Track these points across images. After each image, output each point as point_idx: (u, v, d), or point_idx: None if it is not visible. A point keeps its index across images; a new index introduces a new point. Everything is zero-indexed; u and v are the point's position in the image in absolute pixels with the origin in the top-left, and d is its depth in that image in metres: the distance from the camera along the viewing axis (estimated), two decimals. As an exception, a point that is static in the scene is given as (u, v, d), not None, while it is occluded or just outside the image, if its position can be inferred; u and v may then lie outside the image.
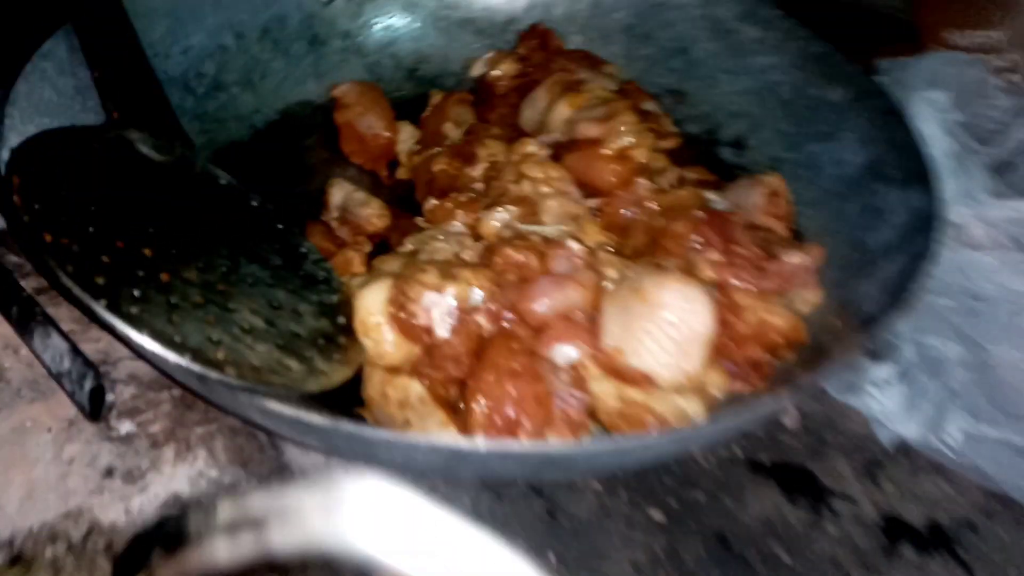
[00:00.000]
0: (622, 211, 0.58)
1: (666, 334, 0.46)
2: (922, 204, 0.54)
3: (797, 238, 0.61)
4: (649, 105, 0.71)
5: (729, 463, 0.54)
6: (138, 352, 0.36)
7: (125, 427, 0.45)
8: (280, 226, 0.49)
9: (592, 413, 0.47)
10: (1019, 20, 0.83)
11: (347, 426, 0.33)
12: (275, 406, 0.33)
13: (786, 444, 0.56)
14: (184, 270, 0.42)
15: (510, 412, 0.42)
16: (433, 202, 0.57)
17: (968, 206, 0.68)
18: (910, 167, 0.57)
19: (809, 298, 0.55)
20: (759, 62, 0.70)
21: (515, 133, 0.66)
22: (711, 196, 0.59)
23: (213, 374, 0.36)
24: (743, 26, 0.71)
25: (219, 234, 0.46)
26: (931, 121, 0.71)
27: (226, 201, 0.48)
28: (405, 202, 0.63)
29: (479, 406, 0.42)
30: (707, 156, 0.70)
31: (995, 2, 0.85)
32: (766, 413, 0.41)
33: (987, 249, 0.67)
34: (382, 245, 0.58)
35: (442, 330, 0.45)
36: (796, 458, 0.55)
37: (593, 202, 0.60)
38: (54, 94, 0.51)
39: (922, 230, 0.52)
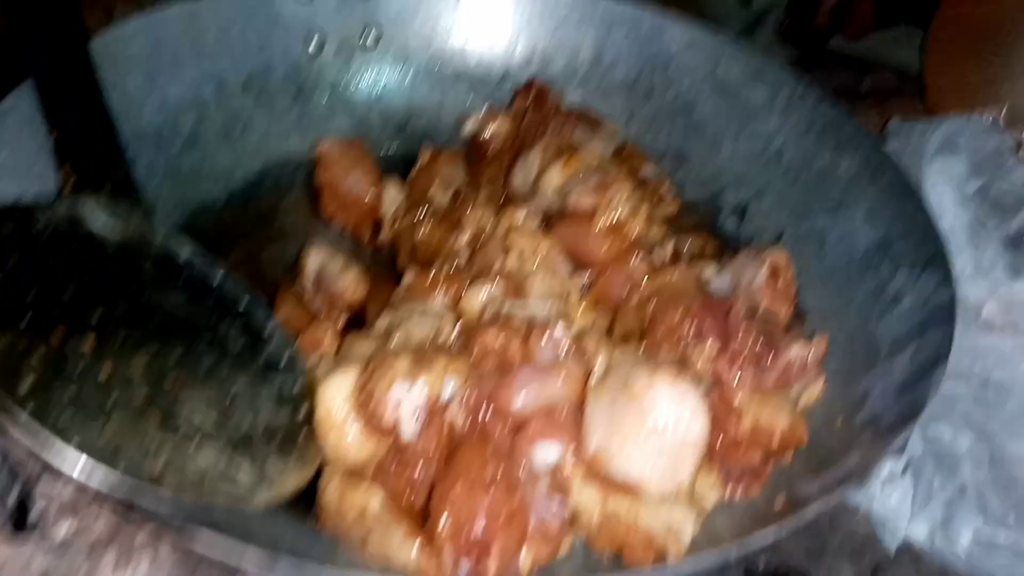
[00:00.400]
0: (614, 288, 0.55)
1: (656, 440, 0.42)
2: (935, 294, 0.50)
3: (800, 318, 0.58)
4: (648, 169, 0.67)
5: (719, 567, 0.50)
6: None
7: (63, 528, 0.42)
8: (244, 304, 0.46)
9: (574, 519, 0.43)
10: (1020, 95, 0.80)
11: (285, 566, 0.29)
12: (206, 540, 0.30)
13: (783, 545, 0.52)
14: (130, 363, 0.38)
15: (479, 531, 0.38)
16: (413, 275, 0.54)
17: (983, 284, 0.65)
18: (923, 250, 0.54)
19: (811, 392, 0.51)
20: (765, 126, 0.67)
21: (506, 196, 0.63)
22: (710, 273, 0.56)
23: (145, 498, 0.33)
24: (750, 87, 0.68)
25: (174, 318, 0.42)
26: (945, 191, 0.68)
27: (185, 279, 0.44)
28: (389, 265, 0.60)
29: (445, 523, 0.38)
30: (709, 223, 0.66)
31: (1000, 75, 0.82)
32: (765, 543, 0.37)
33: (1002, 332, 0.63)
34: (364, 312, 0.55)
35: (410, 428, 0.41)
36: (794, 561, 0.51)
37: (584, 276, 0.56)
38: (11, 156, 0.48)
39: (935, 325, 0.48)
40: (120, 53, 0.58)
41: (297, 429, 0.42)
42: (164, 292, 0.43)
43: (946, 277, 0.51)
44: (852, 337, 0.53)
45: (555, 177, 0.61)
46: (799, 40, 0.99)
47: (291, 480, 0.39)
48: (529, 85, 0.70)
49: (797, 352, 0.49)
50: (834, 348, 0.52)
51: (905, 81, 0.96)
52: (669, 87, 0.71)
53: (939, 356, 0.46)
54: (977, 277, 0.65)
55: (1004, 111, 0.78)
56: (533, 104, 0.69)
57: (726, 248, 0.62)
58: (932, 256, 0.53)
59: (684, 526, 0.43)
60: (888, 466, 0.54)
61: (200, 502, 0.35)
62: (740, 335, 0.49)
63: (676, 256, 0.59)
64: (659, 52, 0.71)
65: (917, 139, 0.73)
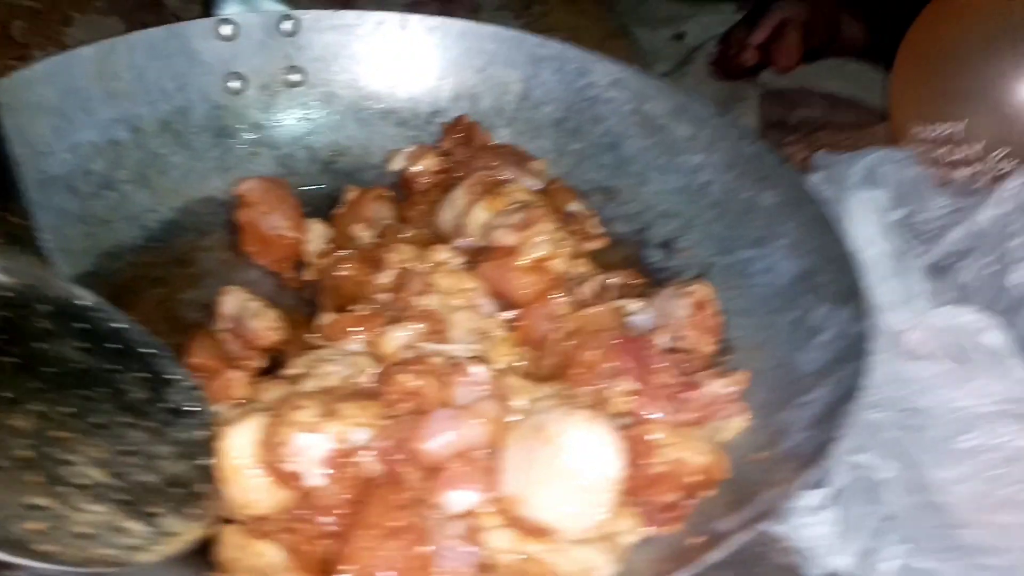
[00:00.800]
0: (537, 327, 0.54)
1: (569, 482, 0.41)
2: (853, 327, 0.51)
3: (727, 351, 0.58)
4: (575, 205, 0.67)
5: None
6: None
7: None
8: (148, 352, 0.44)
9: (489, 567, 0.42)
10: (980, 113, 0.82)
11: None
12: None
13: (709, 579, 0.51)
14: (14, 418, 0.37)
15: (383, 582, 0.37)
16: (332, 316, 0.53)
17: (906, 312, 0.66)
18: (841, 283, 0.54)
19: (734, 426, 0.51)
20: (690, 161, 0.68)
21: (433, 234, 0.62)
22: (634, 309, 0.56)
23: (17, 559, 0.31)
24: (674, 123, 0.69)
25: (70, 370, 0.41)
26: (868, 221, 0.69)
27: (83, 329, 0.43)
28: (312, 307, 0.58)
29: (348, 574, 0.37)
30: (636, 257, 0.67)
31: (959, 95, 0.84)
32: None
33: (925, 359, 0.64)
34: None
35: (314, 478, 0.40)
36: (721, 597, 0.50)
37: (510, 314, 0.56)
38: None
39: (853, 357, 0.49)
40: (29, 97, 0.56)
41: (197, 480, 0.40)
42: (60, 343, 0.41)
43: (864, 310, 0.51)
44: (776, 369, 0.53)
45: (481, 214, 0.61)
46: (729, 74, 1.02)
47: (187, 534, 0.38)
48: (457, 122, 0.70)
49: (717, 387, 0.49)
50: (759, 381, 0.52)
51: (835, 112, 0.99)
52: (596, 124, 0.72)
53: (855, 388, 0.46)
54: (901, 306, 0.66)
55: (964, 125, 0.80)
56: (461, 141, 0.69)
57: (654, 282, 0.62)
58: (850, 289, 0.53)
59: (602, 567, 0.42)
60: (815, 496, 0.54)
61: (84, 560, 0.34)
62: (659, 371, 0.49)
63: (602, 292, 0.59)
64: (586, 90, 0.72)
65: (841, 171, 0.74)
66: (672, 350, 0.53)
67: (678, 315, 0.56)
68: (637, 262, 0.66)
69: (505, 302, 0.56)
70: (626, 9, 1.09)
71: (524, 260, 0.56)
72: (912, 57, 0.89)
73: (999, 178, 0.72)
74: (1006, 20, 0.83)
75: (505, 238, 0.58)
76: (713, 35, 1.05)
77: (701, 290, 0.57)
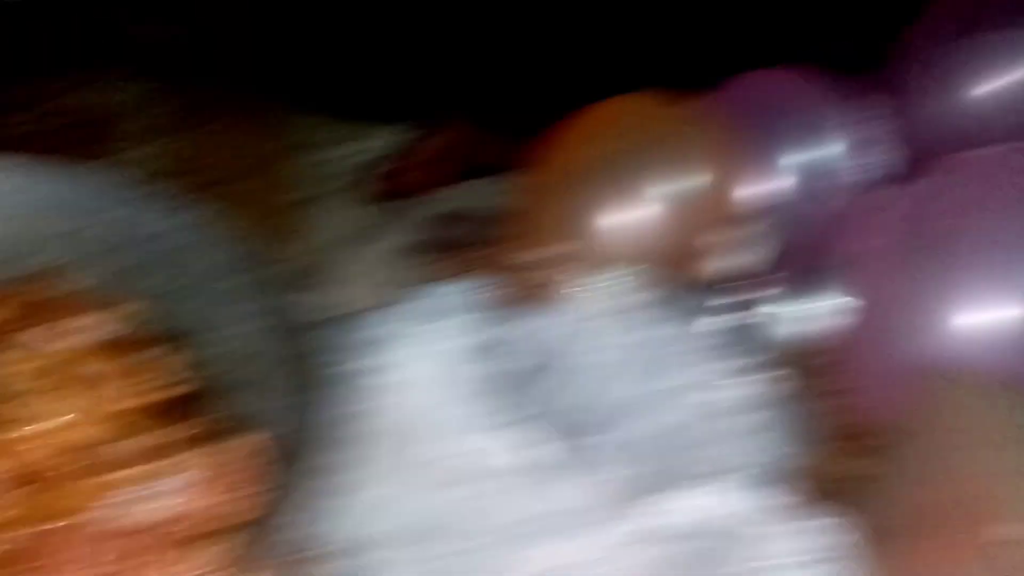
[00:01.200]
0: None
1: None
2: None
3: (269, 506, 0.58)
4: (148, 353, 0.67)
5: None
6: None
7: None
8: None
9: None
10: (590, 236, 0.89)
11: None
12: None
13: None
14: None
15: None
16: None
17: (483, 433, 0.69)
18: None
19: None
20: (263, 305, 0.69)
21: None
22: (163, 471, 0.56)
23: None
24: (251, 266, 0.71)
25: None
26: (442, 348, 0.72)
27: None
28: None
29: None
30: (210, 406, 0.66)
31: (575, 219, 0.91)
32: None
33: (501, 477, 0.67)
34: None
35: None
36: None
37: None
38: None
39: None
40: None
41: None
42: None
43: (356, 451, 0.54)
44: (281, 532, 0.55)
45: (17, 381, 0.59)
46: (391, 195, 1.06)
47: None
48: (22, 273, 0.68)
49: (207, 556, 0.50)
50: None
51: (488, 231, 1.05)
52: (185, 268, 0.72)
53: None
54: (478, 427, 0.69)
55: (571, 248, 0.87)
56: (27, 295, 0.67)
57: (218, 433, 0.62)
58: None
59: None
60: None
61: None
62: (140, 553, 0.48)
63: (146, 452, 0.58)
64: (176, 232, 0.73)
65: (439, 297, 0.78)
66: (180, 517, 0.53)
67: (224, 469, 0.56)
68: (205, 411, 0.65)
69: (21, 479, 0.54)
70: (295, 129, 1.12)
71: (43, 429, 0.54)
72: (539, 179, 0.97)
73: (570, 295, 0.79)
74: (620, 149, 0.93)
75: (34, 407, 0.56)
76: (379, 156, 1.09)
77: (248, 441, 0.58)
